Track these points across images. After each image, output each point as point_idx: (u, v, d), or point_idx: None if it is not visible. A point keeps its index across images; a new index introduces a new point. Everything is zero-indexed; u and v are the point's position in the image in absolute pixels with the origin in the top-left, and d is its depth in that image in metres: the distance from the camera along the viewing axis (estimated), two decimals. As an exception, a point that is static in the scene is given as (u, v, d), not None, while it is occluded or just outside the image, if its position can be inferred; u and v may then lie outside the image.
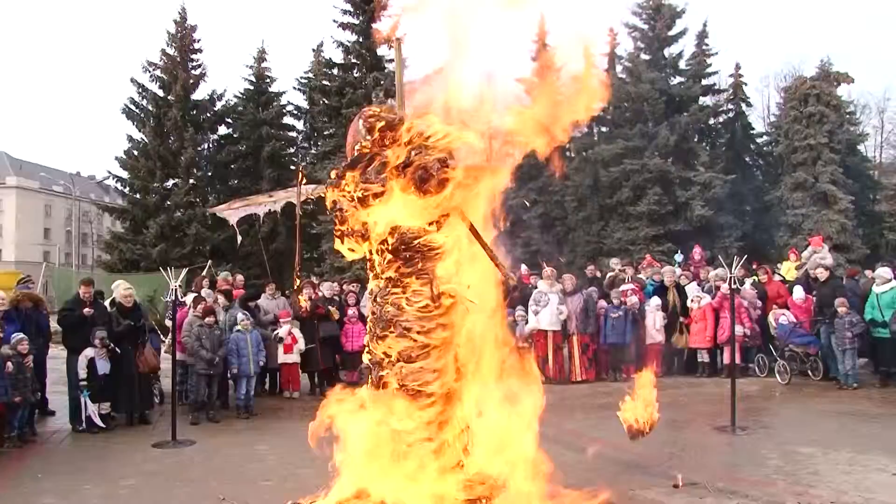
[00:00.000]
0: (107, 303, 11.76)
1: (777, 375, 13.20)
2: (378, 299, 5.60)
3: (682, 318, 14.25)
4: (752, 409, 10.77)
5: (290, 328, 12.49)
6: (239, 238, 17.17)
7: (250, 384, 11.33)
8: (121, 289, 11.17)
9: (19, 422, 9.37)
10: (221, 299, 12.24)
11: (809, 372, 13.22)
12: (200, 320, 10.96)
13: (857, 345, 12.44)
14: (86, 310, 10.31)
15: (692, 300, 14.21)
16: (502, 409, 5.67)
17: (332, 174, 5.65)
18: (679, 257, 18.21)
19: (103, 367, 10.12)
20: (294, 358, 12.54)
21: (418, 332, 5.39)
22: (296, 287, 13.51)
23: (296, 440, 9.16)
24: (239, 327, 11.39)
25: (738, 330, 12.99)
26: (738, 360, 12.76)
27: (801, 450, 8.36)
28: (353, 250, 5.60)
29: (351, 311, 13.27)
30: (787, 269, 16.26)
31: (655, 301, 14.17)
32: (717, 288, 14.05)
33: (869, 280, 13.93)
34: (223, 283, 13.81)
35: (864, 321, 12.49)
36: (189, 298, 12.26)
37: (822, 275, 13.63)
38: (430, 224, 5.43)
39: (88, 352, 10.06)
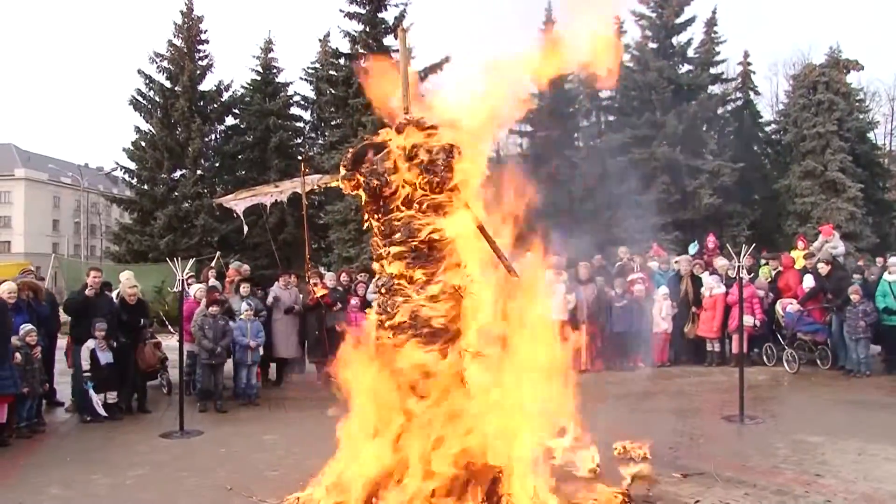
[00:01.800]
0: (115, 293, 11.82)
1: (785, 364, 13.15)
2: (384, 290, 5.59)
3: (694, 308, 14.19)
4: (761, 399, 10.73)
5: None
6: (245, 228, 17.13)
7: (250, 372, 11.47)
8: (126, 285, 11.23)
9: (28, 413, 9.43)
10: (244, 287, 12.39)
11: (818, 361, 13.16)
12: (205, 310, 11.07)
13: (870, 334, 12.40)
14: (88, 290, 10.46)
15: (706, 288, 14.13)
16: (514, 399, 5.65)
17: (342, 169, 5.64)
18: (693, 248, 18.08)
19: (105, 357, 10.22)
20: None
21: (425, 322, 5.37)
22: (307, 276, 13.60)
23: (303, 430, 9.23)
24: (242, 316, 11.53)
25: (749, 320, 12.96)
26: (746, 350, 12.79)
27: (810, 439, 8.33)
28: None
29: (354, 301, 13.29)
30: (796, 258, 16.15)
31: (663, 290, 14.13)
32: (730, 277, 13.94)
33: (879, 269, 13.88)
34: (234, 273, 13.85)
35: (877, 310, 12.43)
36: (194, 290, 12.30)
37: (824, 269, 13.54)
38: (437, 215, 5.42)
39: (90, 343, 10.15)
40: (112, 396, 10.28)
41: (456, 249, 5.48)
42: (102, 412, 10.06)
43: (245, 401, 11.28)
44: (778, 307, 13.82)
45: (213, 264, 16.52)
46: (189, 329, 11.05)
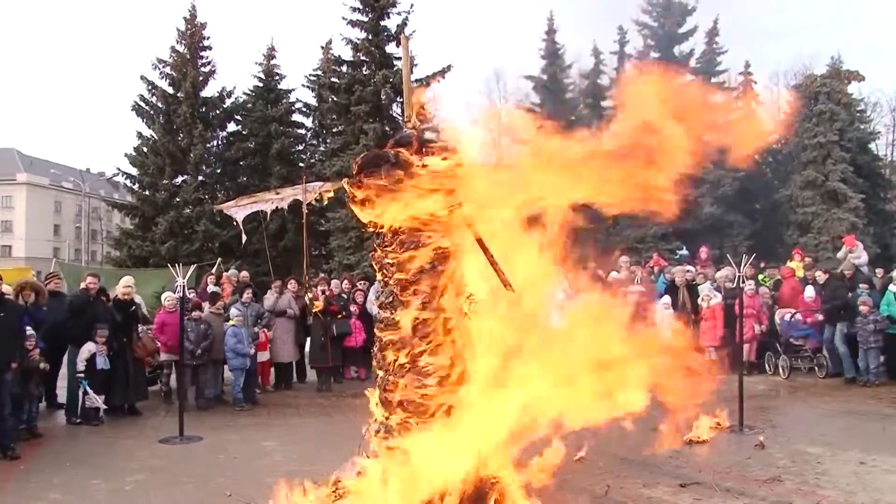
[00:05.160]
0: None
1: (780, 371, 13.24)
2: (386, 304, 5.57)
3: (692, 317, 14.17)
4: (761, 408, 10.71)
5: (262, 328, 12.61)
6: (244, 236, 17.14)
7: (238, 377, 11.60)
8: (121, 285, 11.34)
9: (28, 416, 9.43)
10: (247, 294, 12.49)
11: (815, 368, 13.21)
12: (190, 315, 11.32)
13: (881, 343, 12.43)
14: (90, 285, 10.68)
15: (702, 298, 14.14)
16: (512, 409, 5.64)
17: (346, 186, 5.61)
18: (684, 252, 18.09)
19: (101, 363, 10.29)
20: (264, 356, 12.69)
21: (424, 336, 5.36)
22: (307, 285, 13.65)
23: (303, 436, 9.24)
24: (233, 322, 11.65)
25: (756, 328, 13.10)
26: (753, 358, 12.91)
27: (810, 449, 8.31)
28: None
29: (353, 308, 13.34)
30: (795, 268, 16.18)
31: (665, 299, 14.11)
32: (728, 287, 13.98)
33: (884, 279, 13.99)
34: (225, 280, 13.91)
35: (884, 319, 12.47)
36: (165, 298, 12.33)
37: (822, 279, 13.66)
38: (439, 228, 5.41)
39: (91, 347, 10.21)
40: (92, 400, 10.29)
41: (458, 264, 5.48)
42: (101, 405, 10.19)
43: (240, 406, 11.41)
44: (776, 317, 13.86)
45: (213, 270, 16.50)
46: (162, 338, 11.48)
